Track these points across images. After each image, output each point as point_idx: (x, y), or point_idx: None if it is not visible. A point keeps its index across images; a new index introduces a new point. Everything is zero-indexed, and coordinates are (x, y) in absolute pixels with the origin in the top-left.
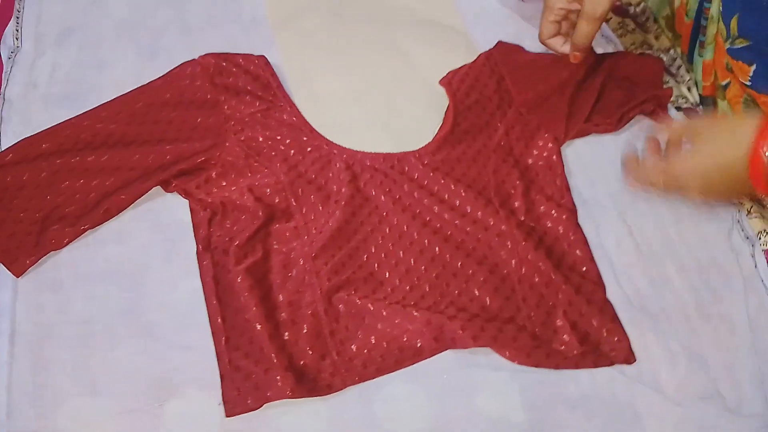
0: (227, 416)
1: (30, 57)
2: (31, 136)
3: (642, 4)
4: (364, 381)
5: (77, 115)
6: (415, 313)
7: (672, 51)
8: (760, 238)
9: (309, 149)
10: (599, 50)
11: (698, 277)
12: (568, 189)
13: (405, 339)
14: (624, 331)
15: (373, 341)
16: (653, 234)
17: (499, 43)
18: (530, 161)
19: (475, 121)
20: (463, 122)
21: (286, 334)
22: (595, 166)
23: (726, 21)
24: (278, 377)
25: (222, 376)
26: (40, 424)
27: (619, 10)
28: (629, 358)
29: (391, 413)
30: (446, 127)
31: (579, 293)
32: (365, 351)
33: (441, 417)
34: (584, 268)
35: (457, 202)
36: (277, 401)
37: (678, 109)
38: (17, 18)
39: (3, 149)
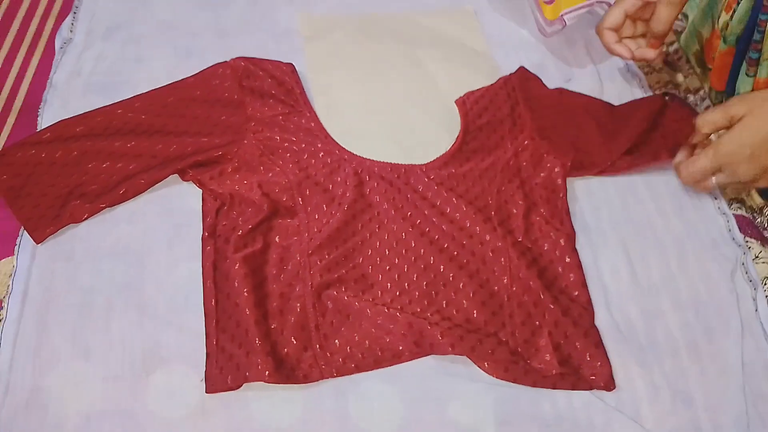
0: (207, 392)
1: (79, 48)
2: (68, 118)
3: (675, 45)
4: (341, 376)
5: (112, 104)
6: (398, 315)
7: (702, 91)
8: (765, 284)
9: (321, 153)
10: (625, 85)
11: (694, 315)
12: (567, 213)
13: (387, 340)
14: (607, 357)
15: (356, 339)
16: (653, 266)
17: (521, 68)
18: (535, 183)
19: (484, 141)
20: (472, 141)
21: (274, 322)
22: (602, 193)
23: None
24: (258, 360)
25: (207, 355)
26: (35, 380)
27: None
28: (609, 384)
29: (364, 410)
30: (455, 144)
31: (566, 315)
32: (347, 347)
33: (412, 421)
34: (576, 293)
35: (457, 215)
36: (256, 384)
37: None
38: (74, 13)
39: (42, 128)
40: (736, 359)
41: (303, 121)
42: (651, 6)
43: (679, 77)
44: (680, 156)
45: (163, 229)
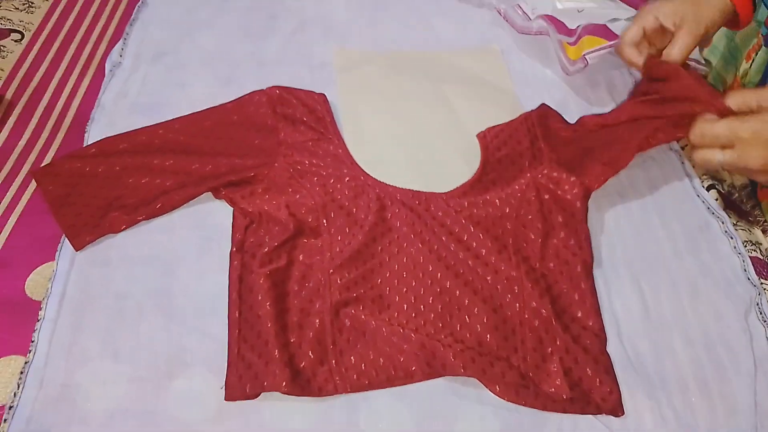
0: (226, 400)
1: (127, 72)
2: (113, 136)
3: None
4: (354, 392)
5: (154, 124)
6: (413, 336)
7: None
8: None
9: (347, 179)
10: None
11: (705, 352)
12: (587, 238)
13: (401, 359)
14: (617, 383)
15: (371, 356)
16: (666, 302)
17: (543, 105)
18: (554, 207)
19: (503, 172)
20: (491, 172)
21: (293, 336)
22: (616, 230)
23: None
24: (276, 371)
25: (228, 363)
26: (67, 376)
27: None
28: (617, 410)
29: (374, 424)
30: (475, 175)
31: (577, 342)
32: (362, 365)
33: None
34: (590, 322)
35: (474, 243)
36: (272, 394)
37: (709, 188)
38: (125, 39)
39: (88, 144)
40: (748, 399)
41: (331, 147)
42: (668, 34)
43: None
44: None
45: (193, 241)
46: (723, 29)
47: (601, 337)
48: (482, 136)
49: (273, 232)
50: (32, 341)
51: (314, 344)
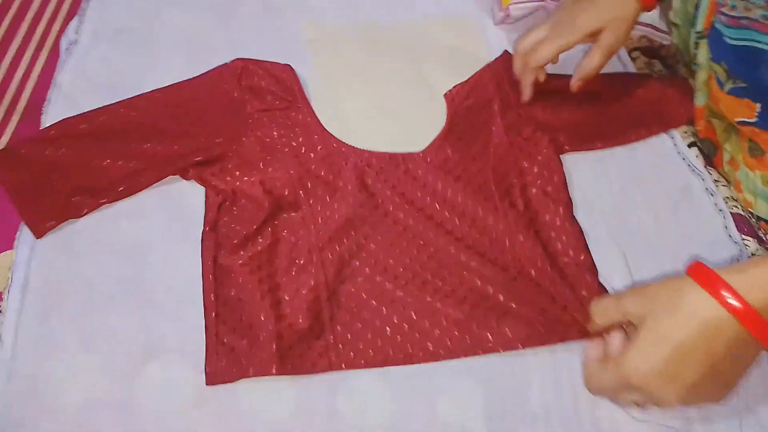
0: (207, 384)
1: (84, 50)
2: (73, 117)
3: (672, 46)
4: (349, 369)
5: (115, 102)
6: (414, 316)
7: None
8: None
9: (319, 147)
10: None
11: None
12: (564, 185)
13: (398, 339)
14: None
15: (369, 336)
16: (648, 268)
17: (505, 52)
18: (528, 158)
19: (473, 120)
20: (461, 122)
21: (286, 310)
22: (596, 198)
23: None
24: (264, 355)
25: (207, 347)
26: (36, 368)
27: (648, 51)
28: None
29: (353, 407)
30: (445, 126)
31: (575, 283)
32: (359, 343)
33: (401, 417)
34: (582, 257)
35: (459, 198)
36: (254, 378)
37: (691, 145)
38: (81, 16)
39: (46, 126)
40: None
41: (300, 116)
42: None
43: None
44: (591, 350)
45: (163, 225)
46: None
47: (594, 270)
48: (448, 94)
49: (249, 210)
50: None
51: (311, 318)
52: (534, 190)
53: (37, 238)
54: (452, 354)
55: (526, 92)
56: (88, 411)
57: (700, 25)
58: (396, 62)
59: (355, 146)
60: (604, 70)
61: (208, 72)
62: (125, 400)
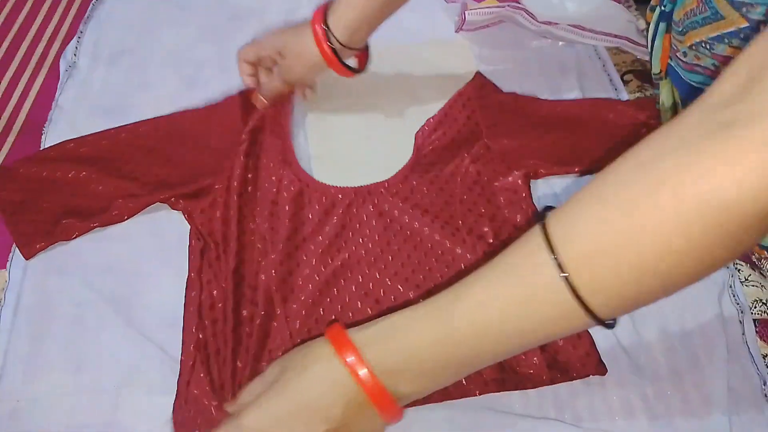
0: None
1: (84, 72)
2: (74, 139)
3: None
4: None
5: (118, 127)
6: None
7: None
8: (755, 307)
9: (285, 181)
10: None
11: (679, 342)
12: (535, 213)
13: None
14: (593, 344)
15: None
16: None
17: (477, 74)
18: (497, 190)
19: (441, 152)
20: (429, 154)
21: (261, 365)
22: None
23: None
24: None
25: (177, 394)
26: (25, 389)
27: (641, 75)
28: (600, 370)
29: None
30: (411, 158)
31: None
32: None
33: None
34: None
35: (426, 230)
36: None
37: None
38: (79, 38)
39: (47, 146)
40: (721, 387)
41: (279, 141)
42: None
43: None
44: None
45: (152, 251)
46: None
47: None
48: (419, 131)
49: (227, 262)
50: None
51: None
52: (503, 220)
53: (27, 259)
54: (426, 400)
55: None
56: None
57: (656, 67)
58: (388, 83)
59: (336, 174)
60: (590, 93)
61: (217, 103)
62: (110, 422)
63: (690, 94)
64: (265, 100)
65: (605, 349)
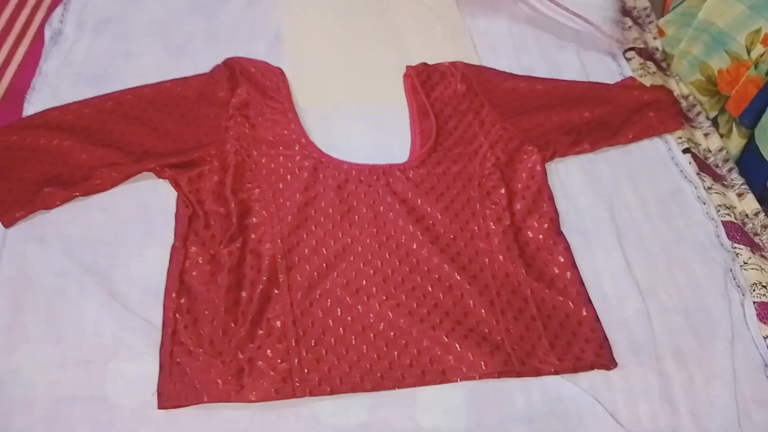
0: (159, 408)
1: (70, 40)
2: (59, 107)
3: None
4: (314, 396)
5: (103, 95)
6: (384, 347)
7: (691, 97)
8: (754, 290)
9: (298, 157)
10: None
11: (684, 321)
12: (550, 198)
13: (368, 366)
14: (605, 337)
15: (336, 362)
16: (641, 271)
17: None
18: (513, 172)
19: (457, 140)
20: (445, 141)
21: (251, 330)
22: (584, 199)
23: None
24: (219, 381)
25: (161, 367)
26: (6, 360)
27: (644, 53)
28: (610, 364)
29: (331, 417)
30: (431, 144)
31: (559, 304)
32: (326, 368)
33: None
34: (567, 274)
35: (438, 216)
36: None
37: (686, 151)
38: (65, 5)
39: (30, 114)
40: (726, 366)
41: (284, 120)
42: None
43: (671, 83)
44: None
45: (134, 221)
46: None
47: (582, 291)
48: (410, 69)
49: (217, 229)
50: None
51: (273, 343)
52: (519, 206)
53: (6, 228)
54: (423, 382)
55: None
56: (59, 405)
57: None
58: (375, 29)
59: (337, 157)
60: (593, 75)
61: (206, 73)
62: (97, 393)
63: None
64: None
65: (609, 332)
